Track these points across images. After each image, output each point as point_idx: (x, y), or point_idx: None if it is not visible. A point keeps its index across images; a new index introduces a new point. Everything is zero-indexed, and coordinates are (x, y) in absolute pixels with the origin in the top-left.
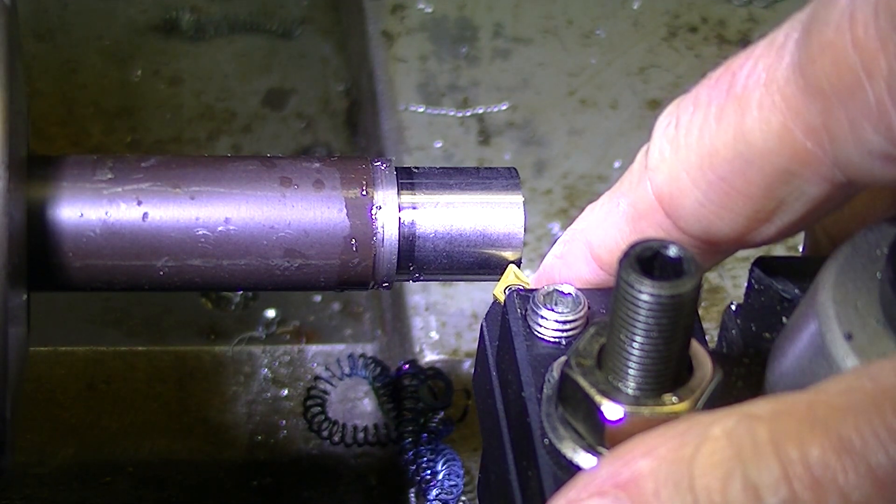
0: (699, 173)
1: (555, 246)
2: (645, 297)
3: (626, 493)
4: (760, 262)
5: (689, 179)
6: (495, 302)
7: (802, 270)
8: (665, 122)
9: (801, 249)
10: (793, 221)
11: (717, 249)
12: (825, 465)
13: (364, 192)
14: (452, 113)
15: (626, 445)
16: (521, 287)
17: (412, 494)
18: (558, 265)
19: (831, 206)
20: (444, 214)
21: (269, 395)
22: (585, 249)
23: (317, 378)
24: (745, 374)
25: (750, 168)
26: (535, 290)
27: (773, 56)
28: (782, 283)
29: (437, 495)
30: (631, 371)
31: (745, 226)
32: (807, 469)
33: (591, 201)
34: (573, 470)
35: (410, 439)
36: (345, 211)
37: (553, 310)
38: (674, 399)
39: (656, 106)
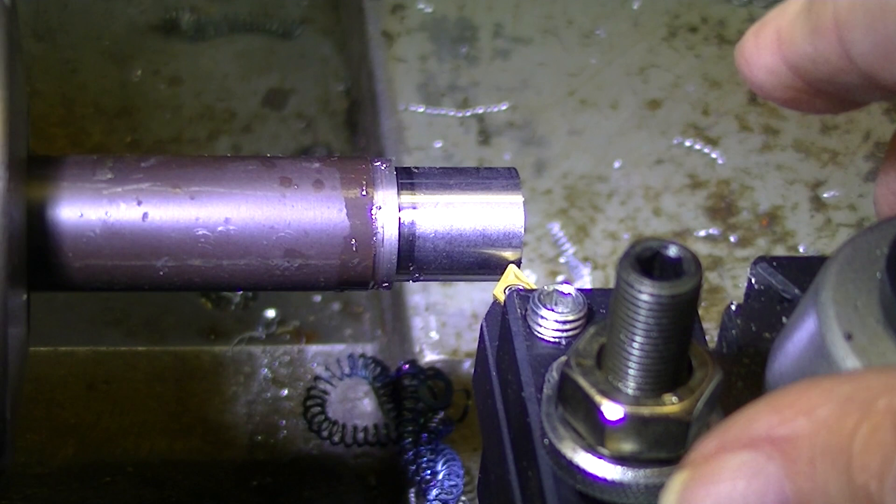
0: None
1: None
2: (645, 297)
3: (780, 453)
4: (760, 262)
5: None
6: (495, 302)
7: (802, 270)
8: None
9: (800, 250)
10: None
11: (882, 89)
12: None
13: (364, 192)
14: (452, 113)
15: (787, 395)
16: (521, 287)
17: (412, 494)
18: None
19: None
20: (444, 214)
21: (269, 395)
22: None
23: (317, 378)
24: (745, 374)
25: None
26: (535, 290)
27: None
28: (782, 283)
29: (437, 495)
30: (631, 371)
31: None
32: None
33: (591, 201)
34: (573, 470)
35: (410, 439)
36: (345, 211)
37: (553, 310)
38: (674, 399)
39: (656, 106)
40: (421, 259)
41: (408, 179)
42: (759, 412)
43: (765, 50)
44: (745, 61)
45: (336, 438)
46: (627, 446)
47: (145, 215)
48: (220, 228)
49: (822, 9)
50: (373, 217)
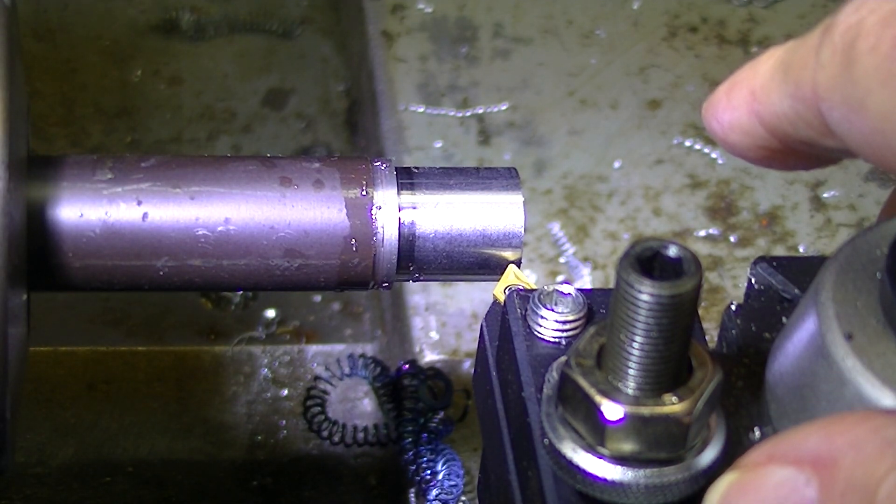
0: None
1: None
2: (645, 297)
3: (818, 479)
4: (760, 262)
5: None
6: (495, 302)
7: (802, 270)
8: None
9: (800, 250)
10: None
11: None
12: None
13: (364, 192)
14: (452, 113)
15: (842, 422)
16: (521, 287)
17: (412, 494)
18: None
19: None
20: (444, 214)
21: (269, 395)
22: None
23: (317, 378)
24: (745, 374)
25: None
26: (535, 290)
27: None
28: (782, 283)
29: (437, 495)
30: (631, 371)
31: None
32: None
33: (591, 201)
34: (573, 470)
35: (410, 439)
36: (345, 211)
37: (553, 310)
38: (674, 399)
39: (656, 106)
40: (421, 259)
41: (408, 179)
42: (812, 432)
43: (739, 110)
44: (716, 120)
45: (336, 438)
46: (627, 446)
47: (145, 215)
48: (220, 228)
49: (800, 76)
50: (373, 217)
